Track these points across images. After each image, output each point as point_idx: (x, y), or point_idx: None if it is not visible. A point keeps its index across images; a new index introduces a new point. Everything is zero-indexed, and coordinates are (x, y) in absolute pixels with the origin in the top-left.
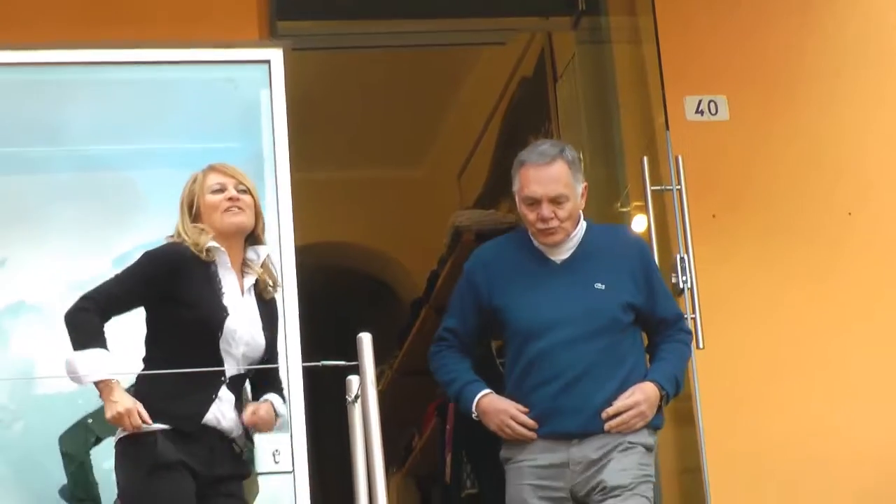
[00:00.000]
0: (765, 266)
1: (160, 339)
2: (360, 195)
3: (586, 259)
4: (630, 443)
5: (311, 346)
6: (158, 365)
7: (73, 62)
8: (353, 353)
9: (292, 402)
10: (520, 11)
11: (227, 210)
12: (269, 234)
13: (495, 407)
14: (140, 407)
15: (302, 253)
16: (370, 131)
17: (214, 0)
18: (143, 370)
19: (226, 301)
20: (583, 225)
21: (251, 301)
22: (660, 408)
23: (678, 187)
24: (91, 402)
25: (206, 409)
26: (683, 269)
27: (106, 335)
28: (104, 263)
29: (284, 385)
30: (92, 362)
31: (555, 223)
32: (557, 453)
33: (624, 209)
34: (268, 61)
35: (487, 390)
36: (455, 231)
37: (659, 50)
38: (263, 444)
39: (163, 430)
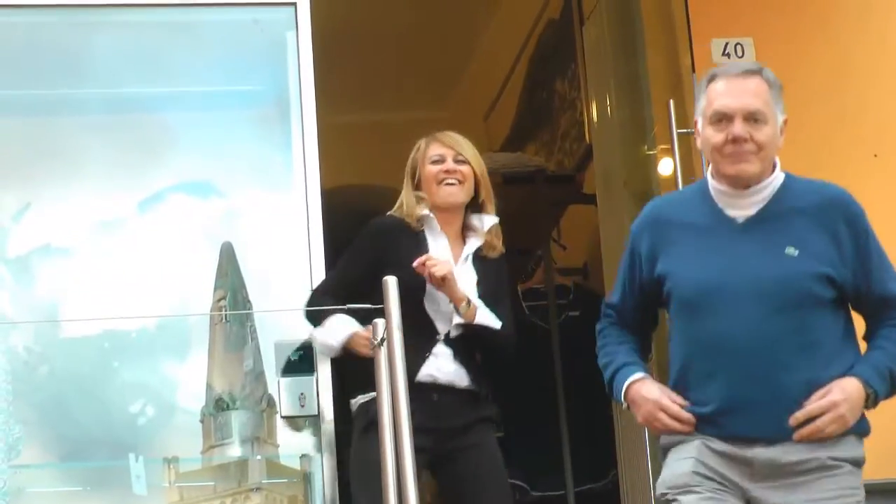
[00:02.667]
0: None
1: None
2: (387, 137)
3: (778, 219)
4: (833, 459)
5: None
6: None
7: (100, 4)
8: (379, 296)
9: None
10: None
11: (442, 182)
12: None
13: (643, 395)
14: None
15: (330, 195)
16: (397, 73)
17: None
18: None
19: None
20: (779, 176)
21: (467, 264)
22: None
23: None
24: (117, 345)
25: (419, 368)
26: None
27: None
28: (132, 204)
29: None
30: (331, 328)
31: (750, 146)
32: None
33: (651, 151)
34: (294, 3)
35: (640, 374)
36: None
37: None
38: (291, 389)
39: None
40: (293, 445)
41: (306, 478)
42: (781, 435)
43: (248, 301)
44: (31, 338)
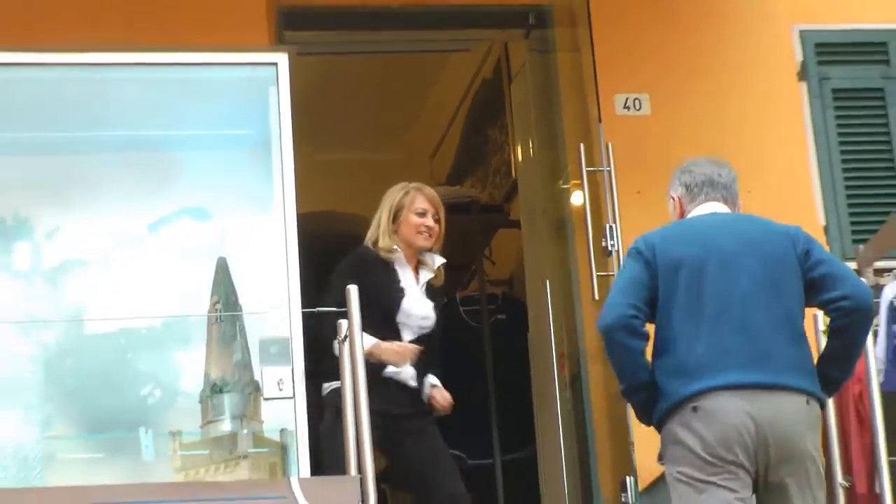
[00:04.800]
0: None
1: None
2: (351, 172)
3: None
4: None
5: (311, 296)
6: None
7: (114, 63)
8: (344, 301)
9: (293, 341)
10: (482, 24)
11: (420, 233)
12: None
13: None
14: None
15: (302, 219)
16: (359, 120)
17: (233, 13)
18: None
19: (402, 286)
20: None
21: (421, 290)
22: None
23: (608, 169)
24: (131, 340)
25: (385, 366)
26: (612, 235)
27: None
28: (143, 225)
29: (289, 329)
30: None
31: None
32: None
33: (565, 186)
34: (275, 63)
35: None
36: None
37: (594, 57)
38: (270, 375)
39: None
40: (273, 421)
41: (284, 448)
42: None
43: (238, 304)
44: (60, 334)
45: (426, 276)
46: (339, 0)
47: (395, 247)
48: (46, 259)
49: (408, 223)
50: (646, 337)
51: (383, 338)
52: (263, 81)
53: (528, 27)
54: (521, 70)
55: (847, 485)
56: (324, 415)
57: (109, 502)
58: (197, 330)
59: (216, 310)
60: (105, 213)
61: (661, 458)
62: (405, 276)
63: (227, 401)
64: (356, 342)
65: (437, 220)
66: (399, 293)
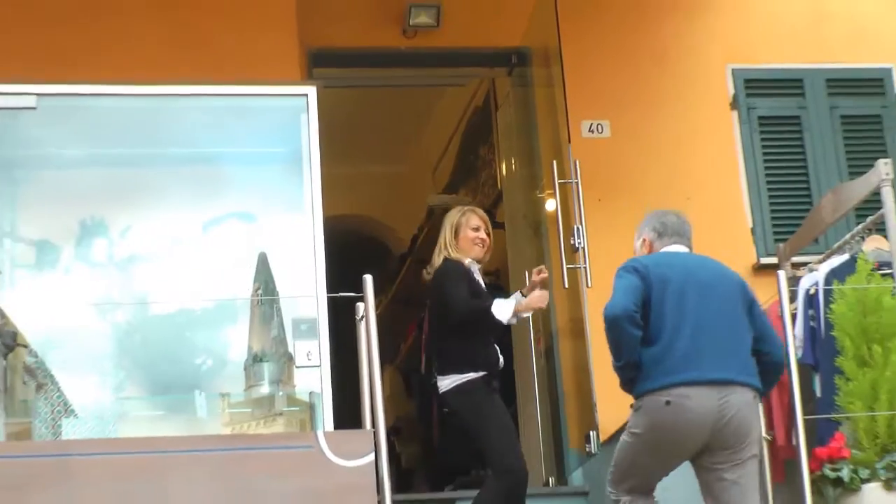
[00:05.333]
0: (632, 232)
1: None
2: (366, 183)
3: None
4: None
5: (334, 283)
6: (465, 338)
7: (176, 94)
8: (361, 288)
9: (320, 320)
10: (474, 64)
11: (476, 244)
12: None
13: None
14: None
15: (328, 220)
16: (373, 140)
17: (272, 54)
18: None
19: (484, 289)
20: None
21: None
22: None
23: (576, 181)
24: (188, 319)
25: (498, 358)
26: (579, 234)
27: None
28: (199, 225)
29: (316, 311)
30: (500, 309)
31: None
32: None
33: (541, 195)
34: (306, 94)
35: None
36: (429, 208)
37: (564, 91)
38: (301, 348)
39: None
40: (303, 385)
41: (311, 407)
42: None
43: (275, 290)
44: (130, 315)
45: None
46: (357, 43)
47: (468, 260)
48: (119, 253)
49: (466, 237)
50: (641, 328)
51: (485, 332)
52: (296, 109)
53: (511, 66)
54: (506, 101)
55: (770, 438)
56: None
57: (172, 450)
58: (242, 311)
59: (258, 294)
60: (167, 216)
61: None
62: (480, 280)
63: (266, 369)
64: (371, 324)
65: (488, 234)
66: (487, 296)
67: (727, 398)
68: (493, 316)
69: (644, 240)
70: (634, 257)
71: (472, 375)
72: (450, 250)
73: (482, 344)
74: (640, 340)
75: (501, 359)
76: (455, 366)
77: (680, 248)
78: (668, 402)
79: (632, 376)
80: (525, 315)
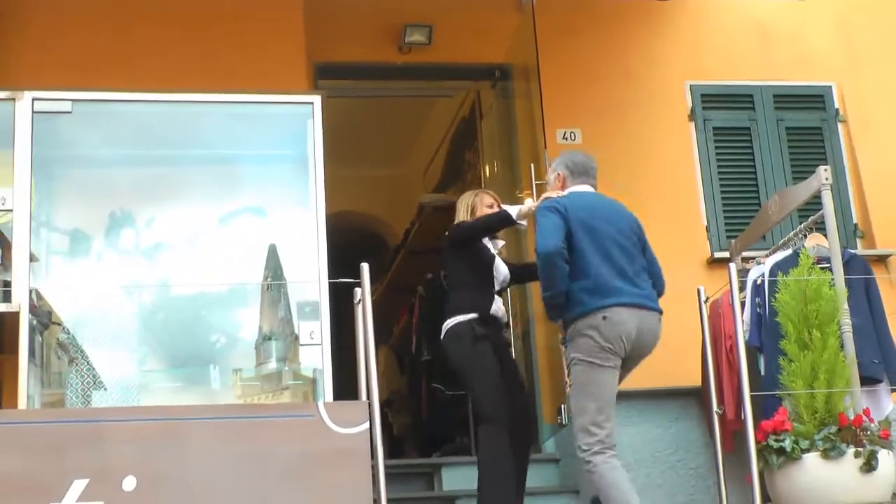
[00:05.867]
0: None
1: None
2: (365, 183)
3: None
4: None
5: (336, 272)
6: (472, 282)
7: (197, 101)
8: (358, 275)
9: (322, 303)
10: (461, 77)
11: None
12: None
13: None
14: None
15: (331, 216)
16: (371, 145)
17: (282, 67)
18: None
19: (492, 252)
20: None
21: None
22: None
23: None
24: (205, 301)
25: (490, 305)
26: None
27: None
28: (215, 219)
29: (318, 295)
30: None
31: None
32: None
33: (520, 195)
34: (312, 102)
35: None
36: (420, 206)
37: (541, 102)
38: (305, 328)
39: (474, 318)
40: (308, 363)
41: (314, 381)
42: None
43: (283, 276)
44: (154, 296)
45: (496, 247)
46: (358, 58)
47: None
48: (144, 241)
49: (482, 214)
50: (568, 262)
51: (482, 283)
52: (303, 116)
53: (494, 80)
54: (490, 111)
55: (720, 412)
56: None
57: (189, 417)
58: (253, 295)
59: (267, 280)
60: (188, 209)
61: (563, 342)
62: (491, 247)
63: (274, 347)
64: (367, 307)
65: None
66: (492, 257)
67: (643, 319)
68: (504, 212)
69: (558, 174)
70: (553, 198)
71: (459, 319)
72: None
73: (472, 290)
74: (569, 274)
75: (500, 308)
76: (449, 313)
77: (588, 188)
78: (604, 318)
79: (560, 303)
80: (524, 223)
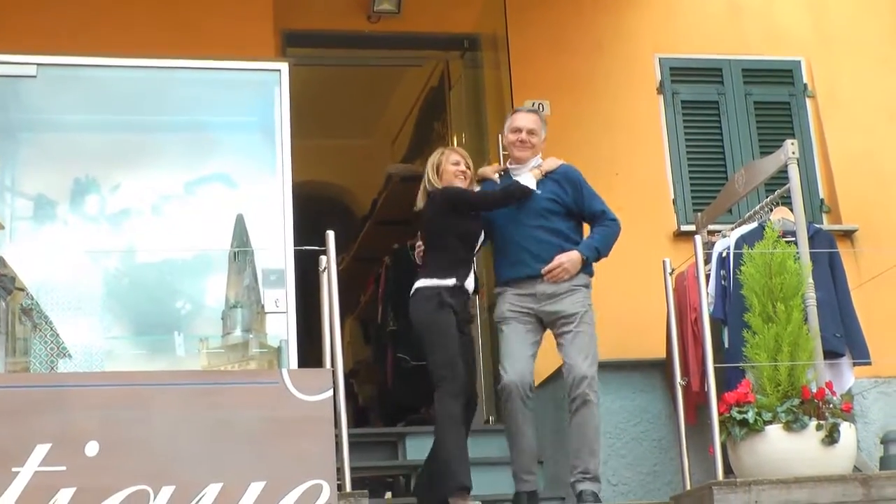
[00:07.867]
0: None
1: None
2: (334, 152)
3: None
4: (572, 286)
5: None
6: (452, 248)
7: (166, 67)
8: (325, 243)
9: (286, 270)
10: (430, 47)
11: (458, 177)
12: None
13: None
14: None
15: (298, 185)
16: (339, 114)
17: (250, 35)
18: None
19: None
20: (538, 160)
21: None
22: (587, 264)
23: None
24: (171, 267)
25: (466, 277)
26: None
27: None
28: (181, 185)
29: (284, 262)
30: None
31: (528, 145)
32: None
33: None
34: (279, 70)
35: None
36: (388, 176)
37: (510, 73)
38: (270, 296)
39: (445, 285)
40: (273, 331)
41: (279, 350)
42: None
43: (249, 243)
44: (118, 262)
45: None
46: (327, 26)
47: None
48: (110, 207)
49: (447, 171)
50: None
51: (463, 253)
52: (270, 83)
53: (463, 50)
54: (458, 81)
55: (684, 383)
56: (425, 303)
57: (152, 383)
58: (219, 262)
59: (234, 247)
60: (154, 176)
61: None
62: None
63: (240, 315)
64: (332, 275)
65: (468, 167)
66: (480, 228)
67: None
68: (525, 186)
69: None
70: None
71: (431, 282)
72: (433, 180)
73: (450, 257)
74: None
75: (472, 282)
76: (423, 273)
77: None
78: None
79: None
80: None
